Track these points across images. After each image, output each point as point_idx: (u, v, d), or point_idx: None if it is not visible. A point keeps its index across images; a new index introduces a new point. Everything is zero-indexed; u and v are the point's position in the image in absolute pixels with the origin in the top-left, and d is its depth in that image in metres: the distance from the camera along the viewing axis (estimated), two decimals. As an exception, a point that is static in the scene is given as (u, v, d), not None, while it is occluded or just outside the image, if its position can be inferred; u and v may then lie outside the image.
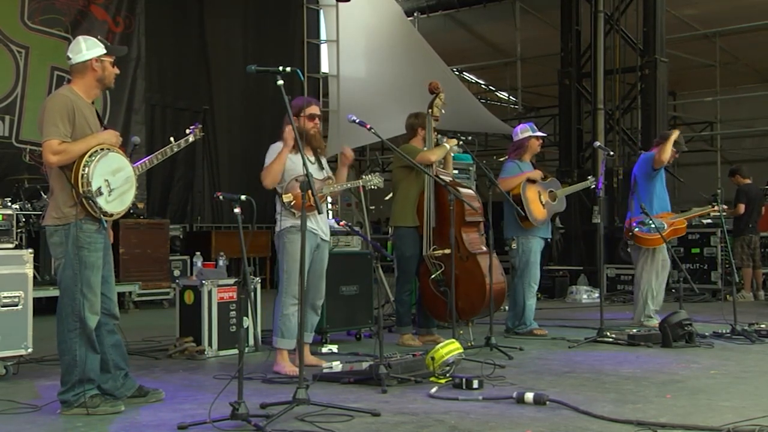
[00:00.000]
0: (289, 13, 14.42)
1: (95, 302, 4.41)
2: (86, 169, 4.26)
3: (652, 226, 7.59)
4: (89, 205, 4.27)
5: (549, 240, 7.90)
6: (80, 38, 4.51)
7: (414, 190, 6.93)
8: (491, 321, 6.58)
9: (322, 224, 5.74)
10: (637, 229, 7.83)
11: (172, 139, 4.80)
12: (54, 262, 4.52)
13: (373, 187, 6.02)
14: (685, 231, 8.14)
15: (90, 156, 4.29)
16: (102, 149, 4.36)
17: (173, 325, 6.51)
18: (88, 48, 4.44)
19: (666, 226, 7.80)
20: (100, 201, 4.30)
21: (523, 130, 7.77)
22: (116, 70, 4.56)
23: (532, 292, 7.47)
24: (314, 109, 5.76)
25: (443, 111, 7.13)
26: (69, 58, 4.48)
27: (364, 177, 6.01)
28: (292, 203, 5.54)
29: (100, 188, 4.30)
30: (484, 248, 6.88)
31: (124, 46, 4.60)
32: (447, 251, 6.59)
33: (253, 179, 5.86)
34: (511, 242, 7.48)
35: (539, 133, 7.80)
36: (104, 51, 4.47)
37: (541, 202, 7.53)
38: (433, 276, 6.76)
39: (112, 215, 4.41)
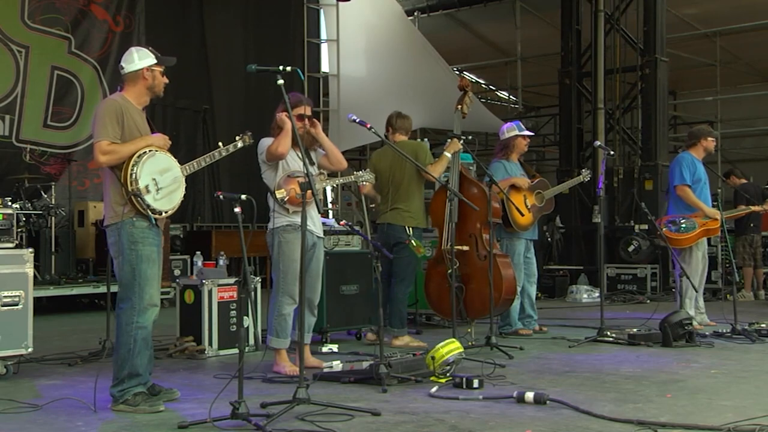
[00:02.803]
0: (289, 12, 14.41)
1: (154, 294, 4.53)
2: (135, 168, 4.43)
3: (683, 226, 7.51)
4: (137, 202, 4.43)
5: (545, 239, 7.89)
6: (133, 49, 4.72)
7: (421, 191, 6.94)
8: (491, 321, 6.58)
9: (317, 221, 5.70)
10: (665, 229, 7.67)
11: (220, 143, 4.99)
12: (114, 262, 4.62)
13: (364, 182, 6.00)
14: (719, 231, 7.81)
15: (138, 156, 4.47)
16: (150, 150, 4.53)
17: (173, 324, 6.51)
18: (140, 58, 4.65)
19: (698, 225, 7.59)
20: (148, 198, 4.45)
21: (510, 129, 7.63)
22: (165, 80, 4.75)
23: (515, 293, 7.44)
24: (303, 110, 5.60)
25: (470, 108, 7.11)
26: (122, 68, 4.69)
27: (356, 173, 5.98)
28: (285, 199, 5.49)
29: (147, 186, 4.46)
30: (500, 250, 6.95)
31: (173, 57, 4.74)
32: (465, 248, 6.69)
33: (254, 179, 5.85)
34: (497, 243, 7.44)
35: (526, 132, 7.66)
36: (155, 61, 4.67)
37: (527, 206, 7.50)
38: (449, 271, 6.74)
39: (161, 213, 4.55)
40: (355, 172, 6.00)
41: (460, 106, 7.00)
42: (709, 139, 8.03)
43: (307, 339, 5.73)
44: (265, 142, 5.60)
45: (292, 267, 5.46)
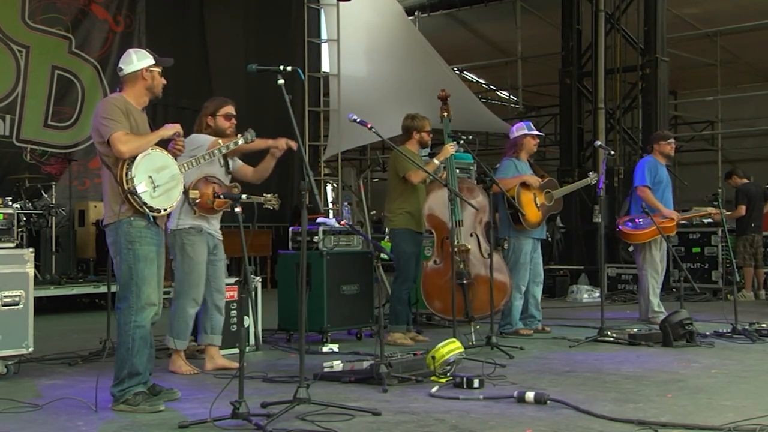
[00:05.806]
0: (289, 12, 14.42)
1: (151, 294, 4.53)
2: (130, 166, 4.43)
3: (639, 223, 7.75)
4: (134, 201, 4.43)
5: (546, 239, 7.95)
6: (131, 51, 4.75)
7: (415, 197, 6.96)
8: (492, 320, 6.58)
9: (215, 225, 5.68)
10: (623, 226, 8.11)
11: (220, 141, 4.99)
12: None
13: (270, 207, 6.13)
14: (675, 230, 8.22)
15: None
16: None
17: (174, 324, 6.50)
18: (138, 59, 4.68)
19: (654, 224, 7.75)
20: (145, 197, 4.44)
21: (519, 129, 7.71)
22: (164, 80, 4.77)
23: (519, 292, 7.44)
24: (230, 109, 5.74)
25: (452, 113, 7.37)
26: (121, 69, 4.71)
27: (265, 195, 6.10)
28: (196, 201, 5.46)
29: (143, 184, 4.45)
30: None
31: (170, 58, 4.77)
32: (468, 246, 6.85)
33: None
34: (504, 242, 7.45)
35: (534, 132, 7.72)
36: (153, 62, 4.70)
37: (536, 205, 7.51)
38: (458, 270, 6.77)
39: (159, 210, 4.53)
40: (264, 195, 6.12)
41: (446, 114, 7.24)
42: (663, 143, 8.40)
43: (217, 341, 5.76)
44: (199, 139, 5.53)
45: (196, 269, 5.53)
